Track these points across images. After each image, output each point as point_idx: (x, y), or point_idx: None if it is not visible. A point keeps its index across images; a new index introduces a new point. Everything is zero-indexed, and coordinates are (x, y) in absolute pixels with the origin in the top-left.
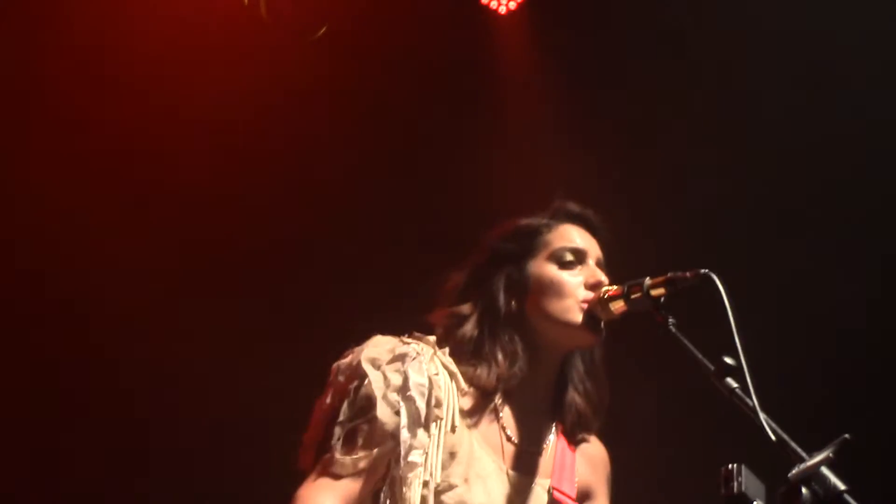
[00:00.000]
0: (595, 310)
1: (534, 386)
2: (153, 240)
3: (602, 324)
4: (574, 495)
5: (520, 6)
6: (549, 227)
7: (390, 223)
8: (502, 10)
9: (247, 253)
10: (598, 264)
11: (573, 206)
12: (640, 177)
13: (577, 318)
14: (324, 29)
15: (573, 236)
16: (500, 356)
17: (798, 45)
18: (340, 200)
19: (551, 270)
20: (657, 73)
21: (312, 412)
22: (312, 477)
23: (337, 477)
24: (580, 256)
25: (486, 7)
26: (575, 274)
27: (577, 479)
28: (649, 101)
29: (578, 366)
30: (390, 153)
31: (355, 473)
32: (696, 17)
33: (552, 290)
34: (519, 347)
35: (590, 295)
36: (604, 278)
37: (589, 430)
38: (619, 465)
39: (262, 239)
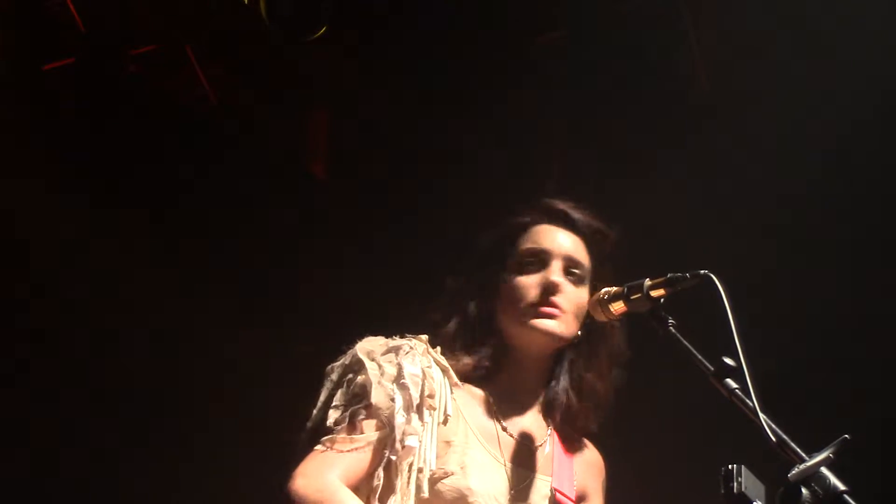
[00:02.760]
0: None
1: (522, 384)
2: (155, 243)
3: (556, 328)
4: (574, 497)
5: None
6: (524, 229)
7: (390, 223)
8: None
9: (247, 254)
10: (569, 262)
11: (552, 204)
12: (641, 176)
13: (527, 322)
14: (323, 29)
15: (540, 238)
16: (466, 351)
17: (800, 40)
18: (339, 200)
19: (512, 277)
20: (657, 72)
21: (308, 415)
22: (312, 455)
23: (339, 452)
24: (544, 257)
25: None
26: (533, 278)
27: (575, 483)
28: (648, 99)
29: (565, 366)
30: (389, 154)
31: (355, 452)
32: (695, 16)
33: (511, 296)
34: (484, 345)
35: (541, 297)
36: (559, 279)
37: (580, 428)
38: (618, 466)
39: (262, 241)
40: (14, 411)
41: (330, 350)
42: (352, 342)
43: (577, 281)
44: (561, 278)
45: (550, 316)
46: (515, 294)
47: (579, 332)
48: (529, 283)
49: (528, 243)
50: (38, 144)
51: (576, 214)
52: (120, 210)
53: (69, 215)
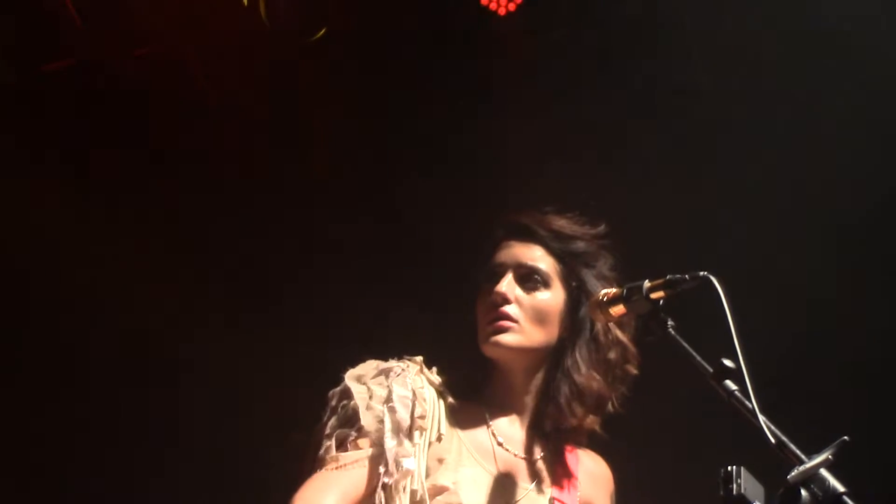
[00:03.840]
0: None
1: (513, 397)
2: (155, 244)
3: (502, 338)
4: None
5: (518, 7)
6: (492, 249)
7: (390, 223)
8: (501, 10)
9: (247, 255)
10: (521, 269)
11: (506, 219)
12: (641, 174)
13: (484, 340)
14: (323, 30)
15: (496, 255)
16: (460, 365)
17: (801, 40)
18: (338, 201)
19: (479, 299)
20: (657, 73)
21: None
22: (307, 482)
23: (330, 473)
24: (500, 271)
25: (486, 8)
26: (489, 295)
27: (579, 494)
28: (649, 101)
29: (551, 372)
30: (389, 153)
31: (346, 470)
32: (694, 16)
33: (476, 318)
34: (472, 362)
35: (490, 312)
36: (502, 288)
37: (576, 434)
38: (617, 467)
39: (262, 242)
40: (14, 412)
41: (329, 351)
42: (352, 359)
43: (537, 286)
44: (509, 288)
45: (501, 329)
46: (477, 316)
47: (563, 336)
48: (485, 302)
49: (488, 265)
50: (38, 144)
51: (527, 221)
52: (120, 210)
53: (69, 215)
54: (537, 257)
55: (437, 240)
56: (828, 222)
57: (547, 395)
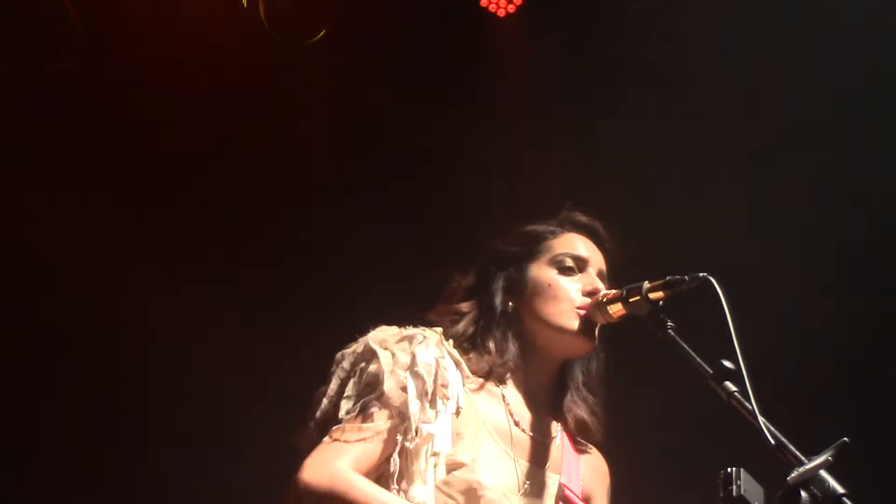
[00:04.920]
0: (593, 314)
1: (538, 384)
2: (154, 244)
3: (596, 332)
4: (581, 495)
5: (518, 8)
6: (554, 234)
7: (391, 224)
8: (501, 12)
9: (246, 255)
10: (600, 275)
11: (581, 216)
12: (640, 176)
13: (570, 323)
14: (323, 32)
15: (576, 244)
16: (491, 346)
17: (800, 40)
18: (340, 201)
19: (550, 274)
20: (656, 73)
21: (313, 400)
22: (322, 446)
23: (347, 442)
24: (581, 264)
25: (486, 9)
26: (573, 280)
27: (581, 482)
28: (648, 102)
29: (577, 375)
30: (390, 154)
31: (366, 440)
32: (693, 18)
33: (548, 293)
34: (510, 342)
35: (585, 301)
36: (601, 286)
37: (590, 438)
38: (617, 468)
39: (262, 241)
40: (14, 411)
41: (329, 352)
42: (363, 331)
43: None
44: (601, 285)
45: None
46: (557, 292)
47: None
48: (572, 285)
49: (564, 247)
50: (38, 145)
51: (604, 232)
52: (120, 210)
53: (69, 215)
54: (606, 268)
55: (437, 237)
56: (827, 223)
57: (580, 394)
